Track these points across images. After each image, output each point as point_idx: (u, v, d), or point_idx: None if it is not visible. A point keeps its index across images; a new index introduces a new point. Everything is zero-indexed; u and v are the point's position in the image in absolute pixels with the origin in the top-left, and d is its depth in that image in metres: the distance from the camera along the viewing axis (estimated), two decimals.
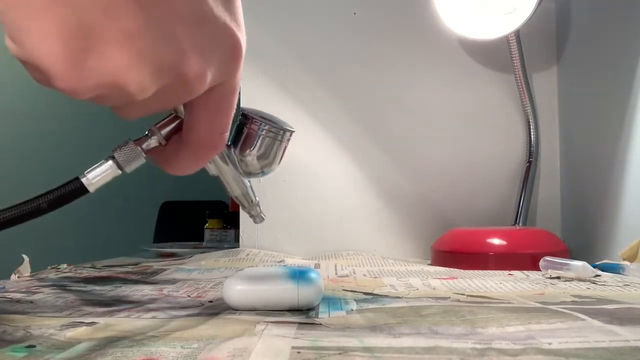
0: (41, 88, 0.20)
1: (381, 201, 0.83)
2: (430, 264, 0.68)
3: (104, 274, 0.58)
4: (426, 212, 0.82)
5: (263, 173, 0.32)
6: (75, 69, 0.17)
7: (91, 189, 0.26)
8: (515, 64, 0.74)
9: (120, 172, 0.26)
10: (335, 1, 0.85)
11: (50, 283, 0.50)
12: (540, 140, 0.79)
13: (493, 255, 0.62)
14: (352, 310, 0.36)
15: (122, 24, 0.17)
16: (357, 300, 0.39)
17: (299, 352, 0.24)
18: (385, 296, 0.41)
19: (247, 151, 0.30)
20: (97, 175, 0.26)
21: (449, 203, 0.82)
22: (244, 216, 0.84)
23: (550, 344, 0.25)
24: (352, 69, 0.85)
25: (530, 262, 0.58)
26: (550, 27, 0.82)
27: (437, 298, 0.40)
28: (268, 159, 0.31)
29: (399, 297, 0.40)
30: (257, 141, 0.30)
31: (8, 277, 0.55)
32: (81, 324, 0.31)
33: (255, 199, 0.33)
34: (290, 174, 0.84)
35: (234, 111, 0.25)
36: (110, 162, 0.26)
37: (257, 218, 0.34)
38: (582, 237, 0.73)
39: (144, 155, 0.27)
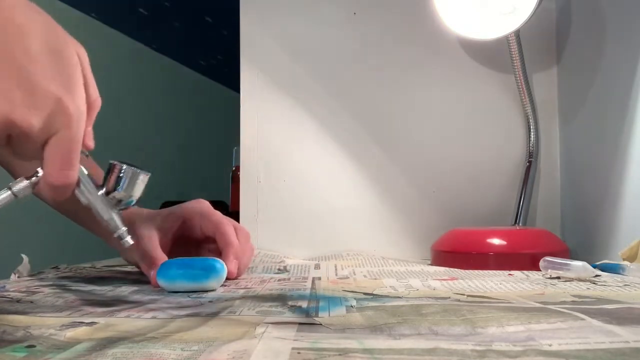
0: None
1: (381, 201, 0.83)
2: (430, 264, 0.68)
3: (104, 274, 0.59)
4: (426, 212, 0.82)
5: (127, 204, 0.40)
6: None
7: None
8: (515, 64, 0.74)
9: (15, 197, 0.34)
10: (335, 1, 0.85)
11: (50, 283, 0.50)
12: (540, 140, 0.79)
13: (493, 255, 0.62)
14: (352, 306, 0.36)
15: None
16: (358, 299, 0.39)
17: (299, 353, 0.24)
18: (386, 296, 0.41)
19: (112, 188, 0.39)
20: None
21: (449, 203, 0.82)
22: (244, 216, 0.84)
23: (550, 345, 0.25)
24: (351, 68, 0.85)
25: (530, 262, 0.58)
26: (550, 27, 0.82)
27: (437, 298, 0.40)
28: (128, 194, 0.40)
29: (399, 297, 0.40)
30: (120, 181, 0.39)
31: (8, 277, 0.55)
32: (81, 324, 0.31)
33: (122, 227, 0.40)
34: (290, 175, 0.84)
35: (74, 155, 0.33)
36: (8, 192, 0.34)
37: (123, 242, 0.40)
38: (582, 237, 0.73)
39: (32, 187, 0.35)
